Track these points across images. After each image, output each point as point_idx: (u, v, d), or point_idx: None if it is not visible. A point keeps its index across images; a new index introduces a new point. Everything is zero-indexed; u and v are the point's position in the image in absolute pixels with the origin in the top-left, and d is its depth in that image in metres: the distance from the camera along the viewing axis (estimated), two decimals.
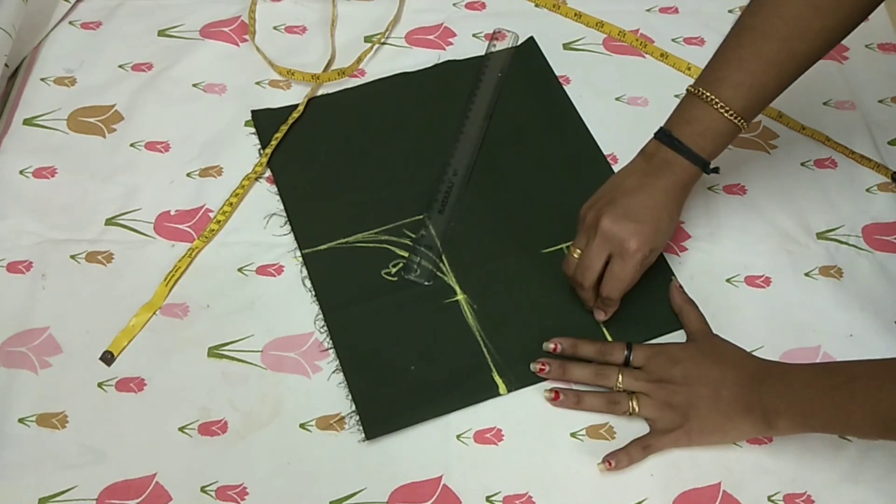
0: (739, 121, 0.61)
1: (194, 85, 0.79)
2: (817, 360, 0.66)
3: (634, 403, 0.61)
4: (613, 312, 0.66)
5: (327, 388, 0.64)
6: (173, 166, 0.74)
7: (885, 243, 0.71)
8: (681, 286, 0.68)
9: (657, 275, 0.68)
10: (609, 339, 0.66)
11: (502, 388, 0.64)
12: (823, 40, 0.60)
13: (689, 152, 0.61)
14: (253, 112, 0.77)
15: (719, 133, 0.61)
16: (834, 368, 0.57)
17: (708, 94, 0.60)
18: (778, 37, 0.59)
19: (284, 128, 0.75)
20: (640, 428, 0.62)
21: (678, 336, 0.66)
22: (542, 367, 0.63)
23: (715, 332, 0.65)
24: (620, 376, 0.62)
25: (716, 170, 0.63)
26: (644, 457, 0.61)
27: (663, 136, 0.62)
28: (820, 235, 0.72)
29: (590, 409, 0.63)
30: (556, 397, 0.63)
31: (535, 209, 0.72)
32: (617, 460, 0.60)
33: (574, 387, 0.64)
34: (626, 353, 0.63)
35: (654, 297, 0.68)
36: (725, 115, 0.60)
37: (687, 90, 0.62)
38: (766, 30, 0.60)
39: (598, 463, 0.61)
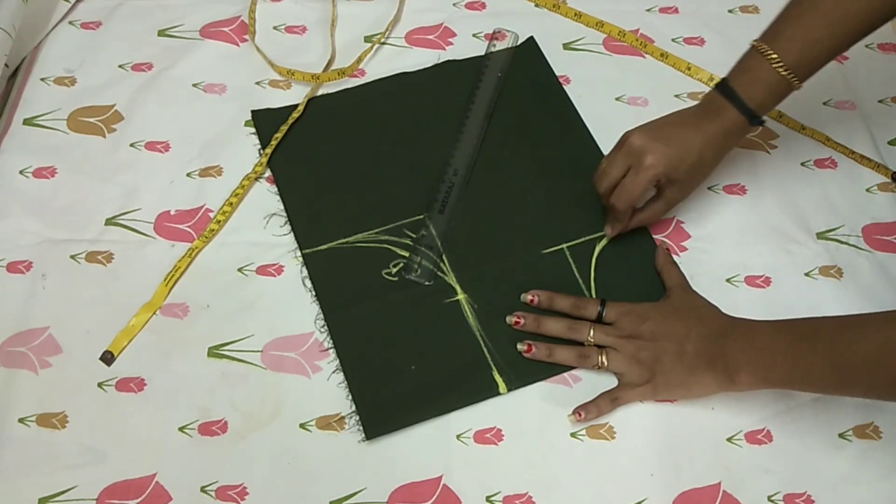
0: (791, 76, 0.62)
1: (194, 85, 0.79)
2: None
3: (604, 358, 0.63)
4: (619, 231, 0.68)
5: (327, 388, 0.64)
6: (173, 166, 0.74)
7: (885, 243, 0.71)
8: (668, 250, 0.70)
9: (648, 260, 0.69)
10: None
11: (502, 386, 0.64)
12: (879, 2, 0.61)
13: (738, 100, 0.63)
14: (253, 112, 0.77)
15: (770, 85, 0.63)
16: (796, 324, 0.59)
17: (763, 46, 0.63)
18: None
19: (284, 128, 0.75)
20: (637, 425, 0.63)
21: None
22: (518, 321, 0.65)
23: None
24: (592, 331, 0.64)
25: (761, 122, 0.65)
26: (612, 409, 0.62)
27: (719, 84, 0.65)
28: (820, 235, 0.72)
29: (560, 362, 0.64)
30: (528, 349, 0.64)
31: (535, 209, 0.72)
32: (587, 411, 0.62)
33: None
34: (598, 308, 0.65)
35: (645, 284, 0.68)
36: (777, 67, 0.62)
37: (750, 43, 0.64)
38: None
39: (568, 414, 0.62)
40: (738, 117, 0.64)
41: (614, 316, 0.64)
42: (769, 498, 0.60)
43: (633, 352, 0.62)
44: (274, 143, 0.75)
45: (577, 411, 0.62)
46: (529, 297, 0.66)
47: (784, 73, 0.62)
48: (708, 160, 0.65)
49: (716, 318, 0.63)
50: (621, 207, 0.66)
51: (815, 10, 0.62)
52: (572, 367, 0.64)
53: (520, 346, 0.65)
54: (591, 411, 0.62)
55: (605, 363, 0.63)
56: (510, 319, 0.66)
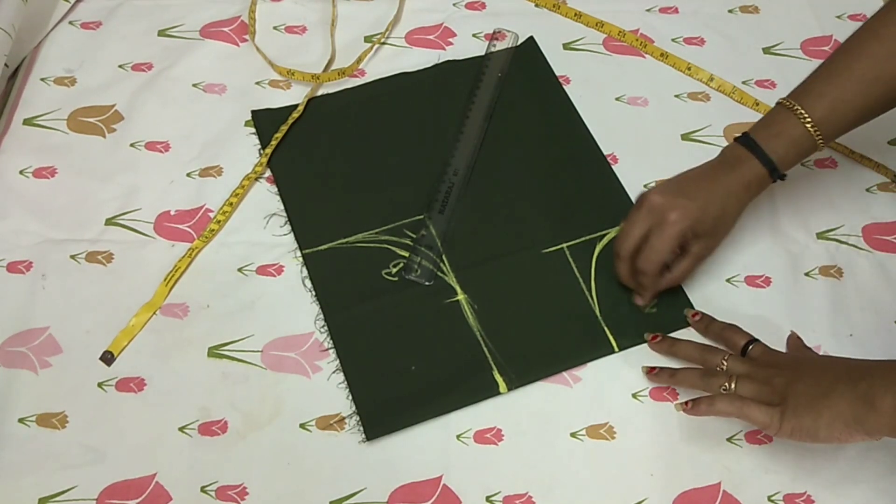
0: (815, 132, 0.61)
1: (194, 85, 0.79)
2: None
3: (732, 383, 0.58)
4: (651, 298, 0.66)
5: (327, 388, 0.64)
6: (173, 166, 0.74)
7: (885, 243, 0.71)
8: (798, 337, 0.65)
9: None
10: (613, 342, 0.66)
11: (502, 386, 0.64)
12: None
13: (760, 151, 0.62)
14: (253, 112, 0.77)
15: (794, 140, 0.62)
16: None
17: (791, 102, 0.62)
18: (870, 55, 0.61)
19: (284, 128, 0.75)
20: (637, 425, 0.63)
21: (681, 336, 0.66)
22: (655, 338, 0.65)
23: None
24: (726, 358, 0.61)
25: (783, 176, 0.64)
26: (728, 412, 0.57)
27: (741, 137, 0.64)
28: (820, 235, 0.72)
29: (684, 385, 0.62)
30: (651, 371, 0.63)
31: (535, 209, 0.72)
32: (695, 405, 0.58)
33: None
34: (745, 342, 0.62)
35: (658, 299, 0.68)
36: (803, 122, 0.61)
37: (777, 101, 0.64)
38: (861, 49, 0.61)
39: (675, 403, 0.62)
40: (760, 169, 0.62)
41: (757, 353, 0.61)
42: (769, 498, 0.60)
43: (767, 377, 0.57)
44: (274, 143, 0.75)
45: (687, 402, 0.58)
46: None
47: (809, 128, 0.61)
48: (731, 212, 0.64)
49: (861, 361, 0.57)
50: (650, 269, 0.63)
51: (848, 70, 0.61)
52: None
53: (643, 368, 0.64)
54: (700, 406, 0.57)
55: (733, 388, 0.58)
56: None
